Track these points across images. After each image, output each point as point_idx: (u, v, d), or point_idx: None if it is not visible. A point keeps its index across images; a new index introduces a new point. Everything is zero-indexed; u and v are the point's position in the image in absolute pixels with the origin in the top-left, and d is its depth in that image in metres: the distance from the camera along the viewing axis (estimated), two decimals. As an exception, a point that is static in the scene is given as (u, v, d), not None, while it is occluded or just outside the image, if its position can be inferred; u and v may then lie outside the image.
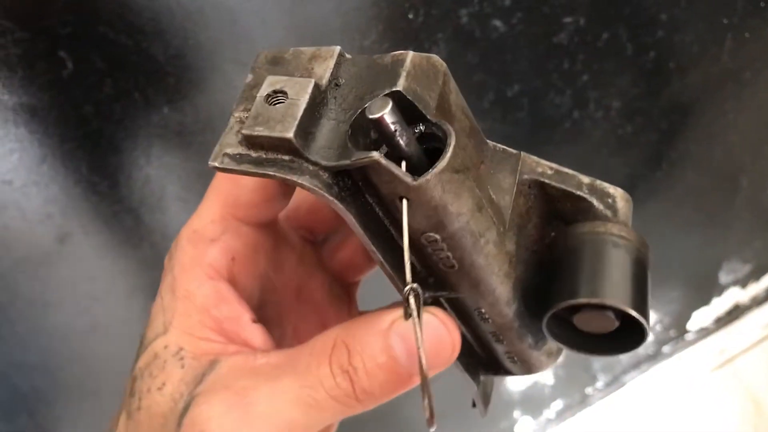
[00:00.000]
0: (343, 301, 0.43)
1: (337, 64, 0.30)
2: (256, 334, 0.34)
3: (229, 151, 0.29)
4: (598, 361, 1.17)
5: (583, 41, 0.73)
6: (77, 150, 0.56)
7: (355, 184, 0.29)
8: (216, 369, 0.32)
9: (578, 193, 0.33)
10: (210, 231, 0.35)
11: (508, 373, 0.39)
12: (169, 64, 0.55)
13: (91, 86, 0.53)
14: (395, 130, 0.26)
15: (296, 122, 0.28)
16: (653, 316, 1.16)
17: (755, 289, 1.24)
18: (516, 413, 1.17)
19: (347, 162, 0.27)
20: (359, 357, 0.30)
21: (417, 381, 0.30)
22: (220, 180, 0.35)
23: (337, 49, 0.30)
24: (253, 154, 0.29)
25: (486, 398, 0.41)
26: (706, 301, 1.21)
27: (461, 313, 0.35)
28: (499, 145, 0.34)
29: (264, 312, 0.38)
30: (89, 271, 0.62)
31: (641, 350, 1.21)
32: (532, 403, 1.17)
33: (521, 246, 0.33)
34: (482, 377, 0.39)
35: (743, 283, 1.22)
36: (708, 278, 1.18)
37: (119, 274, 0.63)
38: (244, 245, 0.35)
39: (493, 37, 0.68)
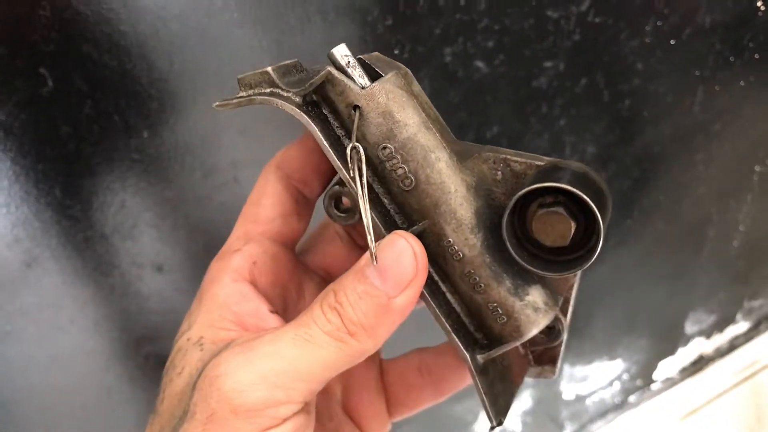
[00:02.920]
0: None
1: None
2: (274, 321, 0.37)
3: (228, 98, 0.36)
4: (565, 410, 1.16)
5: (562, 86, 0.74)
6: (51, 171, 0.54)
7: (322, 114, 0.35)
8: (231, 345, 0.34)
9: (537, 162, 0.36)
10: (234, 245, 0.39)
11: (499, 342, 0.38)
12: (153, 87, 0.54)
13: (70, 106, 0.52)
14: (348, 62, 0.34)
15: (276, 65, 0.35)
16: (620, 364, 1.16)
17: (719, 340, 1.25)
18: (482, 461, 1.15)
19: (309, 83, 0.34)
20: (343, 293, 0.33)
21: (400, 308, 0.33)
22: (245, 207, 0.40)
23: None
24: (245, 93, 0.36)
25: (499, 407, 0.39)
26: (671, 351, 1.21)
27: (436, 259, 0.37)
28: (467, 142, 0.39)
29: (287, 317, 0.40)
30: (55, 299, 0.60)
31: (608, 399, 1.20)
32: (499, 452, 1.15)
33: (483, 190, 0.36)
34: (481, 358, 0.38)
35: (708, 333, 1.23)
36: (674, 328, 1.18)
37: (87, 303, 0.61)
38: (264, 253, 0.39)
39: (475, 77, 0.69)
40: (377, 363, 0.45)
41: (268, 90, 0.35)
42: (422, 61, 0.64)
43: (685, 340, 1.21)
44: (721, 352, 1.28)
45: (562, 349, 0.41)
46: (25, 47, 0.49)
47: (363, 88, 0.34)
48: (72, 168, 0.55)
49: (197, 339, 0.36)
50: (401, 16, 0.61)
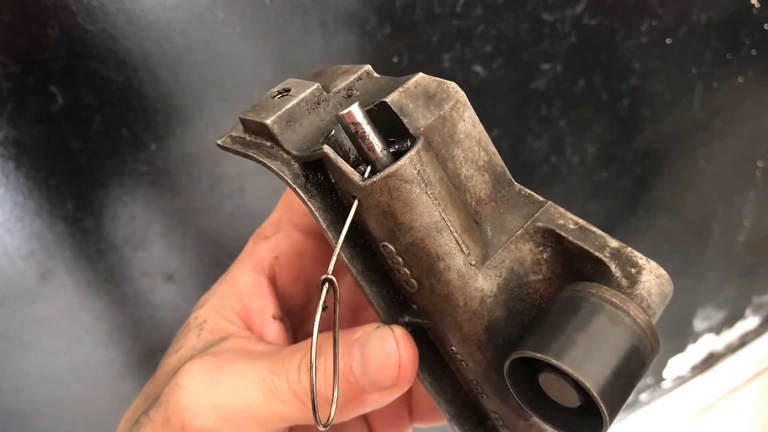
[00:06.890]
0: None
1: (359, 79, 0.32)
2: (272, 329, 0.37)
3: (233, 134, 0.32)
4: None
5: (560, 88, 0.75)
6: (63, 185, 0.56)
7: (327, 181, 0.30)
8: (222, 343, 0.34)
9: (597, 254, 0.28)
10: (267, 230, 0.38)
11: None
12: (159, 101, 0.56)
13: (80, 121, 0.54)
14: (356, 132, 0.27)
15: (279, 112, 0.30)
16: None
17: (729, 336, 1.25)
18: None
19: (307, 153, 0.29)
20: (324, 358, 0.30)
21: (370, 401, 0.31)
22: (287, 189, 0.38)
23: (366, 67, 0.32)
24: (248, 137, 0.31)
25: None
26: (681, 348, 1.22)
27: (446, 350, 0.33)
28: (526, 189, 0.31)
29: (311, 313, 0.40)
30: (70, 310, 0.61)
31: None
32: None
33: (509, 291, 0.30)
34: None
35: (717, 330, 1.23)
36: (683, 325, 1.19)
37: (100, 314, 0.62)
38: (289, 247, 0.37)
39: (473, 82, 0.70)
40: None
41: (268, 144, 0.30)
42: (421, 68, 0.65)
43: (695, 337, 1.21)
44: (732, 348, 1.28)
45: None
46: (36, 66, 0.51)
47: (364, 176, 0.27)
48: (83, 182, 0.56)
49: (200, 322, 0.36)
50: (399, 25, 0.62)
